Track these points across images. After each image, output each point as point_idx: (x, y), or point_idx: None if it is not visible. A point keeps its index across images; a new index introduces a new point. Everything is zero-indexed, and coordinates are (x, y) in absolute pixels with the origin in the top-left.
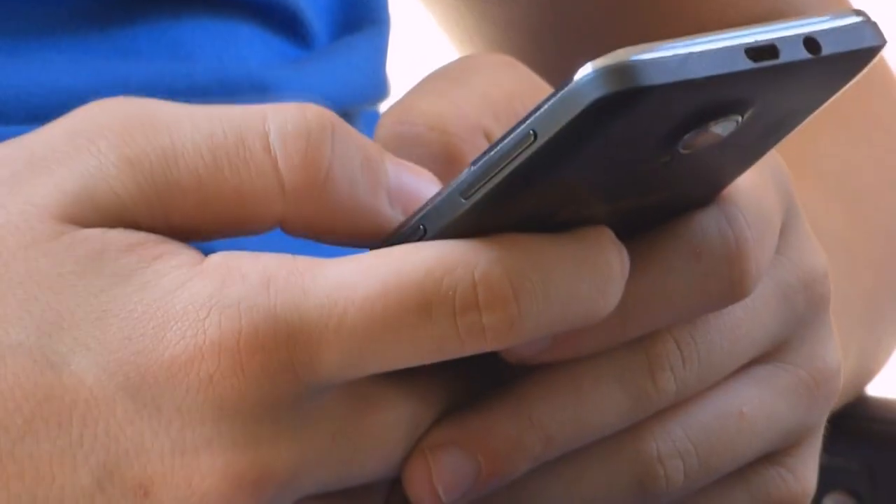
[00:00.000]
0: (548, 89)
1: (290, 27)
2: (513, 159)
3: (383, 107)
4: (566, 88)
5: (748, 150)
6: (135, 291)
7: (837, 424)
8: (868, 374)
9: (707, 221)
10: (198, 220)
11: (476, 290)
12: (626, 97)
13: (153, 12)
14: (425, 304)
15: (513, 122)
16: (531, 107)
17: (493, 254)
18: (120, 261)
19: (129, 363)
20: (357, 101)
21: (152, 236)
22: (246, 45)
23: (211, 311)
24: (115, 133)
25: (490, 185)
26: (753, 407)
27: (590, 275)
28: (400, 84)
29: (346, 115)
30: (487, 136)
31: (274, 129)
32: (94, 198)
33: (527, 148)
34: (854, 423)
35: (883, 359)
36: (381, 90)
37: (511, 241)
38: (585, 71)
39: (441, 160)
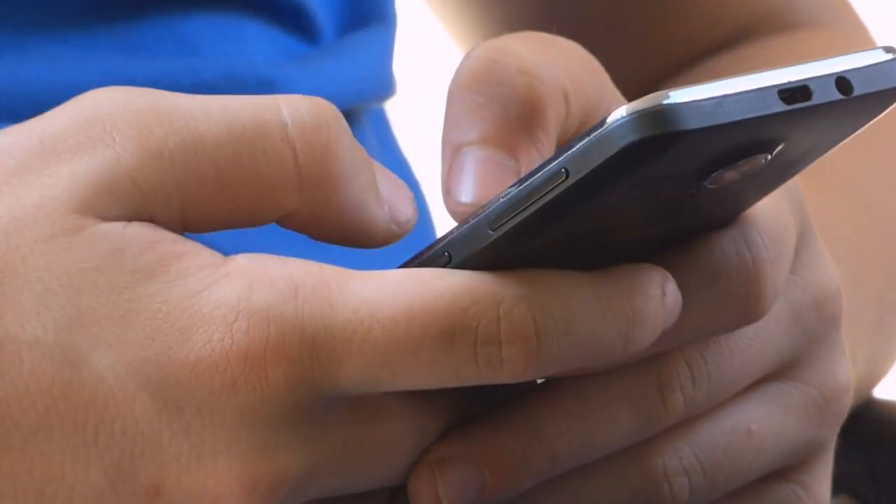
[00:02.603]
0: (608, 84)
1: (297, 23)
2: (543, 195)
3: (389, 106)
4: (600, 130)
5: (770, 180)
6: (159, 291)
7: (841, 427)
8: (876, 379)
9: (725, 243)
10: (212, 212)
11: (499, 323)
12: (660, 142)
13: (160, 8)
14: (449, 332)
15: (581, 100)
16: (595, 92)
17: (519, 289)
18: (141, 258)
19: (152, 363)
20: (363, 98)
21: (170, 234)
22: (253, 41)
23: (239, 316)
24: (130, 123)
25: (518, 219)
26: (762, 425)
27: (616, 319)
28: (407, 80)
29: (353, 113)
30: (566, 99)
31: (291, 120)
32: (113, 189)
33: (558, 185)
34: (858, 425)
35: (891, 364)
36: (387, 88)
37: (539, 277)
38: (620, 114)
39: (523, 103)
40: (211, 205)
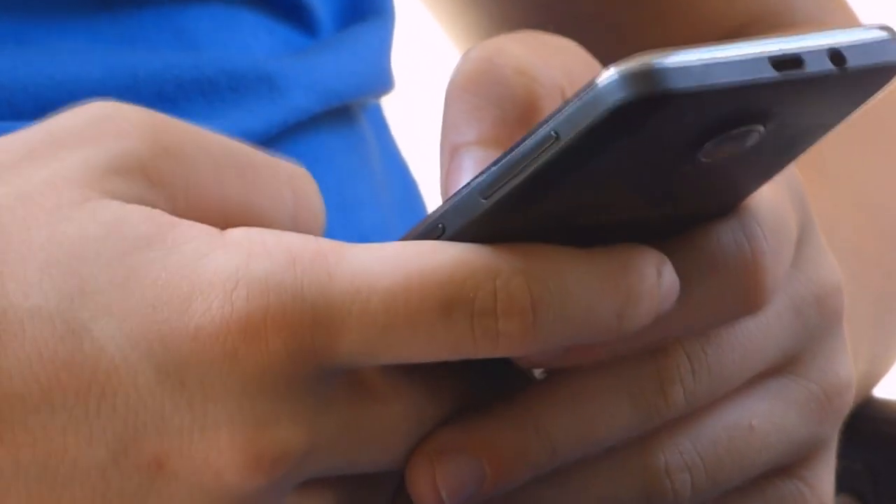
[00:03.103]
0: None
1: (296, 16)
2: (533, 160)
3: (385, 101)
4: (589, 91)
5: (768, 163)
6: (158, 258)
7: (841, 426)
8: (877, 378)
9: (724, 233)
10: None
11: (496, 295)
12: (649, 102)
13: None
14: (446, 304)
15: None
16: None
17: (516, 262)
18: (140, 227)
19: (154, 332)
20: (362, 92)
21: (164, 212)
22: (251, 33)
23: (238, 284)
24: (145, 121)
25: (510, 186)
26: (763, 420)
27: (610, 295)
28: (404, 78)
29: (351, 108)
30: (563, 98)
31: (290, 173)
32: (123, 174)
33: (548, 148)
34: (858, 424)
35: (891, 363)
36: (385, 82)
37: (536, 251)
38: (608, 74)
39: (521, 104)
40: (209, 218)
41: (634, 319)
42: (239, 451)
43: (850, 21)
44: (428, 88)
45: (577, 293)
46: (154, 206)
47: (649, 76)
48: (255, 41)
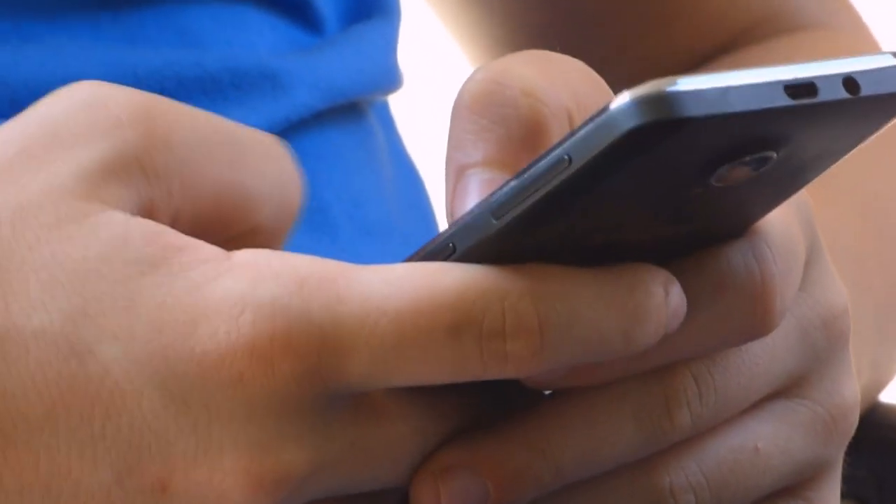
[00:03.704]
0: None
1: (300, 14)
2: (546, 183)
3: (392, 99)
4: (602, 115)
5: (780, 187)
6: (164, 282)
7: None
8: (880, 386)
9: (734, 255)
10: (202, 210)
11: (504, 317)
12: (663, 128)
13: None
14: (455, 326)
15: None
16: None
17: (524, 284)
18: (144, 249)
19: (159, 356)
20: (368, 90)
21: (170, 229)
22: (255, 31)
23: (245, 309)
24: (136, 109)
25: (522, 208)
26: (768, 442)
27: (617, 315)
28: (409, 76)
29: (358, 105)
30: (570, 120)
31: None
32: (120, 173)
33: (561, 172)
34: (862, 430)
35: (895, 369)
36: (392, 80)
37: (543, 272)
38: (622, 99)
39: (527, 125)
40: (202, 203)
41: (641, 339)
42: (242, 473)
43: (855, 21)
44: (432, 87)
45: (585, 313)
46: (152, 203)
47: (663, 102)
48: (260, 39)
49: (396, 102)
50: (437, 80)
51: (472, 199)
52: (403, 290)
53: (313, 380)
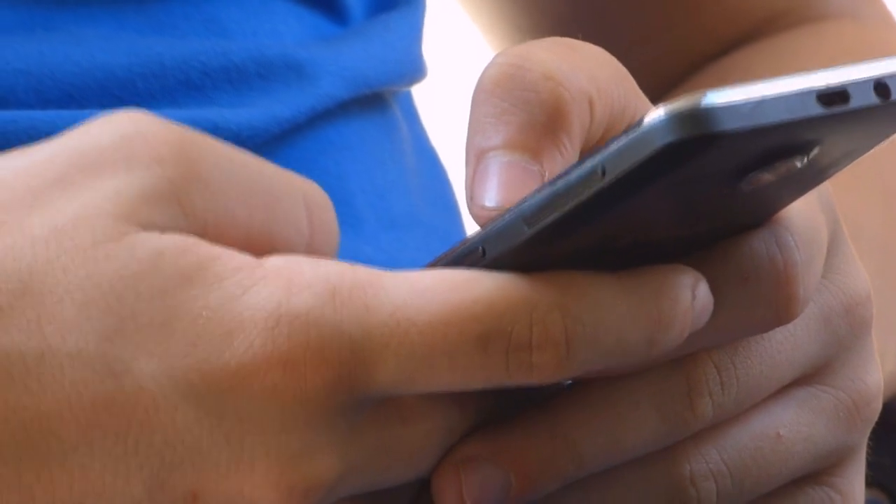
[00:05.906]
0: (634, 89)
1: (325, 4)
2: (579, 193)
3: (415, 90)
4: (638, 130)
5: (805, 182)
6: (199, 295)
7: None
8: None
9: (757, 244)
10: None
11: (532, 329)
12: (697, 143)
13: None
14: (483, 337)
15: (607, 106)
16: (620, 98)
17: (552, 295)
18: (180, 262)
19: (194, 370)
20: (393, 81)
21: (202, 240)
22: (281, 21)
23: (280, 321)
24: (176, 145)
25: (554, 216)
26: (790, 429)
27: (643, 324)
28: (434, 66)
29: (382, 95)
30: (591, 105)
31: (306, 189)
32: (158, 204)
33: (594, 184)
34: (886, 417)
35: None
36: (417, 71)
37: (571, 282)
38: (657, 114)
39: (548, 109)
40: (232, 243)
41: (665, 344)
42: (274, 484)
43: (881, 11)
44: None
45: (610, 323)
46: (188, 234)
47: (697, 117)
48: (285, 28)
49: (419, 93)
50: (460, 71)
51: (493, 181)
52: (433, 301)
53: (343, 389)
